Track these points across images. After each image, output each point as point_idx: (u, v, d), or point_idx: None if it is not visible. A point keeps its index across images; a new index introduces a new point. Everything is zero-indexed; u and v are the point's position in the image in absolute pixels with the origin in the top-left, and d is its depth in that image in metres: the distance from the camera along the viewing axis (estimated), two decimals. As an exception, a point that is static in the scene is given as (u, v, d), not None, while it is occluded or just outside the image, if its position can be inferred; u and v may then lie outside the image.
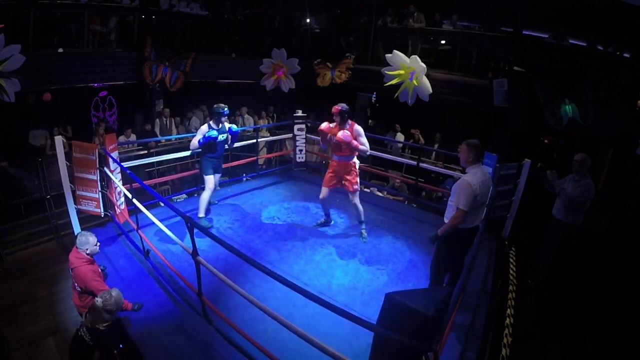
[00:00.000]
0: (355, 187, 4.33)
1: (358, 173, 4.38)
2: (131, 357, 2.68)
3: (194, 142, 4.34)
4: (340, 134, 4.04)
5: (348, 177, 4.30)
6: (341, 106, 4.13)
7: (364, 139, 4.20)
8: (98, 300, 2.43)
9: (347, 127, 4.15)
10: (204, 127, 4.37)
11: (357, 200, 4.38)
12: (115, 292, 2.48)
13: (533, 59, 6.75)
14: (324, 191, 4.45)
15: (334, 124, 4.22)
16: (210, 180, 4.48)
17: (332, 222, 4.87)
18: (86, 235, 2.95)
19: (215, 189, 4.84)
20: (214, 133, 4.27)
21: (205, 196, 4.46)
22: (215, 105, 4.39)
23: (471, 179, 2.93)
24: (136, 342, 2.77)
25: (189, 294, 3.28)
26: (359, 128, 4.19)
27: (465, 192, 2.89)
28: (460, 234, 3.03)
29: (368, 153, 4.37)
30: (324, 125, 4.24)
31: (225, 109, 4.39)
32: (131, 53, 6.87)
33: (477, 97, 7.03)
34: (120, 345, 2.61)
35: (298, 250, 4.16)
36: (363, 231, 4.54)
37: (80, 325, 2.53)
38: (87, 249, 2.90)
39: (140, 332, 2.88)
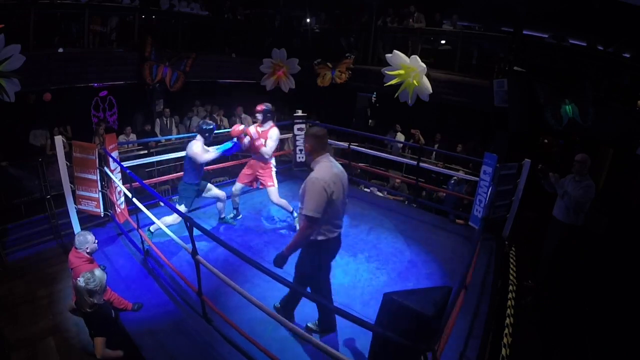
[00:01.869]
0: (270, 183, 4.43)
1: (272, 173, 4.43)
2: (131, 356, 2.68)
3: (208, 155, 3.98)
4: (250, 128, 4.22)
5: (263, 176, 4.41)
6: (265, 105, 4.28)
7: (273, 143, 4.26)
8: (80, 280, 2.38)
9: (267, 127, 4.30)
10: (199, 146, 3.94)
11: (275, 198, 4.45)
12: (98, 272, 2.45)
13: (533, 59, 6.75)
14: (237, 186, 4.53)
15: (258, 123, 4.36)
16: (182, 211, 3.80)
17: (240, 216, 4.78)
18: (84, 234, 2.95)
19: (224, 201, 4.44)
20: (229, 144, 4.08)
21: (168, 220, 3.83)
22: (202, 123, 4.08)
23: (320, 174, 2.41)
24: (136, 342, 2.77)
25: (189, 293, 3.28)
26: (274, 132, 4.28)
27: (315, 192, 2.33)
28: (321, 247, 2.55)
29: (267, 157, 4.32)
30: (237, 127, 4.29)
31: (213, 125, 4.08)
32: (131, 53, 6.88)
33: (477, 97, 7.03)
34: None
35: (298, 251, 4.15)
36: (297, 220, 4.43)
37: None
38: (87, 248, 2.90)
39: (140, 332, 2.88)
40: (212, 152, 4.04)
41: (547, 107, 6.16)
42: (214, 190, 4.32)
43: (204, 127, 4.00)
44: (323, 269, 2.72)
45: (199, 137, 4.01)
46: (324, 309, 2.76)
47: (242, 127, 4.26)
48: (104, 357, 2.48)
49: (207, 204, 5.19)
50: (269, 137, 4.25)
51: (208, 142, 4.08)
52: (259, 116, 4.31)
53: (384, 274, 3.82)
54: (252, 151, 4.38)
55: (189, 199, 4.08)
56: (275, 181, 4.47)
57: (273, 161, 4.47)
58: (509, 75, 6.54)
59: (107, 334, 2.51)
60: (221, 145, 4.12)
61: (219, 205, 4.51)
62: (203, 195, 4.26)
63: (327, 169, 2.46)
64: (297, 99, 8.89)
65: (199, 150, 3.93)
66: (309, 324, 2.94)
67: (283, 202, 4.51)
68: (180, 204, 4.03)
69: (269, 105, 4.32)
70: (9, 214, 5.03)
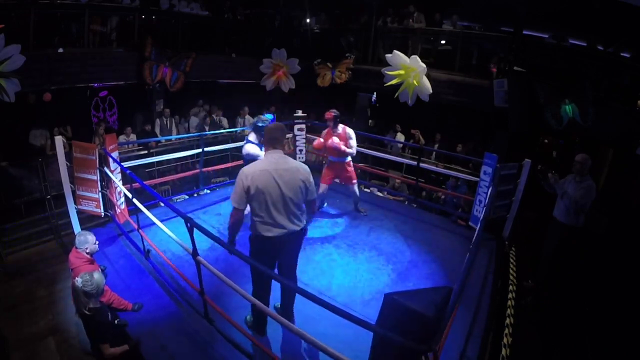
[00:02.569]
0: (354, 181, 4.85)
1: (353, 168, 4.84)
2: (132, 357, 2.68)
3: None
4: (329, 142, 4.52)
5: (346, 175, 4.79)
6: (334, 112, 4.56)
7: (353, 142, 4.61)
8: (78, 280, 2.40)
9: (340, 131, 4.60)
10: (255, 148, 3.90)
11: (355, 189, 4.94)
12: (97, 275, 2.46)
13: (533, 59, 6.75)
14: (322, 187, 4.83)
15: (327, 129, 4.70)
16: None
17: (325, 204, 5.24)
18: (85, 234, 2.95)
19: None
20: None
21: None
22: (257, 120, 4.02)
23: (247, 166, 2.46)
24: (136, 342, 2.77)
25: (189, 294, 3.28)
26: (349, 131, 4.60)
27: (236, 183, 2.44)
28: (256, 243, 2.58)
29: (354, 154, 4.73)
30: (318, 142, 4.65)
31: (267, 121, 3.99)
32: (131, 53, 6.87)
33: (477, 97, 7.03)
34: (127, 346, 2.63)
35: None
36: (361, 209, 5.09)
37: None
38: (86, 248, 2.90)
39: (140, 332, 2.88)
40: None
41: (547, 107, 6.17)
42: None
43: (260, 125, 3.78)
44: (255, 270, 2.64)
45: (252, 135, 3.87)
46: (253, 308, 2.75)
47: (321, 140, 4.62)
48: (111, 356, 2.49)
49: (208, 204, 5.20)
50: (348, 137, 4.58)
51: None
52: (330, 123, 4.58)
53: (385, 274, 3.82)
54: (330, 154, 4.72)
55: None
56: (356, 178, 4.86)
57: (349, 158, 4.74)
58: (509, 75, 6.55)
59: (107, 338, 2.51)
60: None
61: None
62: None
63: (258, 163, 2.48)
64: (297, 99, 8.88)
65: (258, 151, 3.86)
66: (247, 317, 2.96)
67: (358, 194, 4.96)
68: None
69: (336, 111, 4.61)
70: (9, 214, 5.03)
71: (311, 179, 2.57)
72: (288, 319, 2.79)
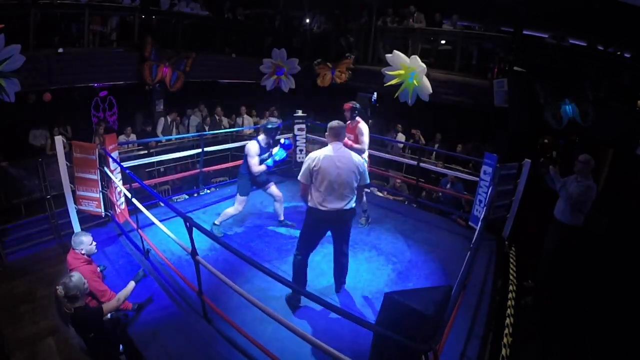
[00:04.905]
0: None
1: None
2: (132, 357, 2.68)
3: (259, 168, 4.11)
4: None
5: None
6: (352, 104, 4.48)
7: (364, 137, 4.35)
8: (59, 289, 2.41)
9: (354, 124, 4.40)
10: (255, 147, 4.09)
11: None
12: (75, 277, 2.46)
13: (533, 59, 6.75)
14: None
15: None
16: (242, 202, 4.26)
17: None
18: (80, 235, 2.95)
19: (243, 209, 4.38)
20: (282, 153, 4.12)
21: (230, 211, 4.29)
22: (267, 122, 4.19)
23: (314, 152, 3.01)
24: (136, 342, 2.77)
25: (189, 293, 3.28)
26: (362, 127, 4.37)
27: (304, 164, 3.03)
28: (310, 213, 3.09)
29: (363, 153, 4.36)
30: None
31: (279, 122, 4.22)
32: (132, 53, 6.87)
33: (477, 97, 7.03)
34: (121, 347, 2.62)
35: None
36: (362, 220, 4.81)
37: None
38: (82, 249, 2.89)
39: (140, 332, 2.88)
40: (263, 166, 4.14)
41: (547, 107, 6.16)
42: (272, 188, 4.44)
43: (270, 127, 4.10)
44: (305, 234, 3.16)
45: (262, 136, 4.15)
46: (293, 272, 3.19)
47: None
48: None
49: (208, 204, 5.19)
50: (359, 132, 4.35)
51: (272, 141, 4.23)
52: (347, 114, 4.44)
53: (385, 274, 3.82)
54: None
55: (245, 188, 4.25)
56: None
57: (365, 155, 4.44)
58: (509, 75, 6.55)
59: (94, 333, 2.50)
60: (272, 156, 4.15)
61: (277, 205, 4.57)
62: (263, 190, 4.45)
63: (322, 150, 3.00)
64: (297, 99, 8.88)
65: (253, 153, 4.08)
66: None
67: (363, 199, 4.70)
68: (237, 192, 4.27)
69: (356, 103, 4.51)
70: (9, 214, 5.04)
71: (362, 168, 3.05)
72: (338, 285, 3.38)
